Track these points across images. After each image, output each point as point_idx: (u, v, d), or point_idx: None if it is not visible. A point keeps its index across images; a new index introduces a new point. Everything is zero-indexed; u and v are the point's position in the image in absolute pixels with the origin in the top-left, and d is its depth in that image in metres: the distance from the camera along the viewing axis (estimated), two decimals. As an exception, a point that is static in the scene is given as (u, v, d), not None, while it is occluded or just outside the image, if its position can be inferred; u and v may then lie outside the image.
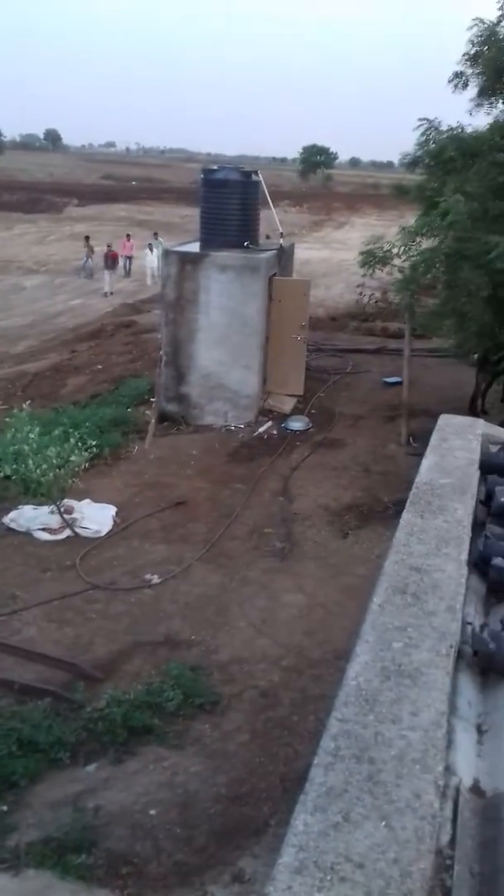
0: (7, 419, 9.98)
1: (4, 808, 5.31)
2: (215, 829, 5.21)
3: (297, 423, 12.74)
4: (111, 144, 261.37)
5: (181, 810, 5.34)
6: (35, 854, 4.91)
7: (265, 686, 6.68)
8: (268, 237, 14.32)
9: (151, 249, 27.84)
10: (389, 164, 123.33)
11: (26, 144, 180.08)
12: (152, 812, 5.30)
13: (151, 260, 27.60)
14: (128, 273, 29.55)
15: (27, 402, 11.11)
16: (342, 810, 1.65)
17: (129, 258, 29.70)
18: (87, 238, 30.69)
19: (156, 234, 30.27)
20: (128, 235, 30.51)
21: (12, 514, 9.51)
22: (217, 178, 13.18)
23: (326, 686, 6.56)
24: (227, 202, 12.98)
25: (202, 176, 13.61)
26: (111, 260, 27.14)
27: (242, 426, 12.75)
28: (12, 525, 9.36)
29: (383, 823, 1.62)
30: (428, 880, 1.53)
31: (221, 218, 13.04)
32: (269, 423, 12.82)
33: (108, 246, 27.72)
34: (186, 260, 12.55)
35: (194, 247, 13.22)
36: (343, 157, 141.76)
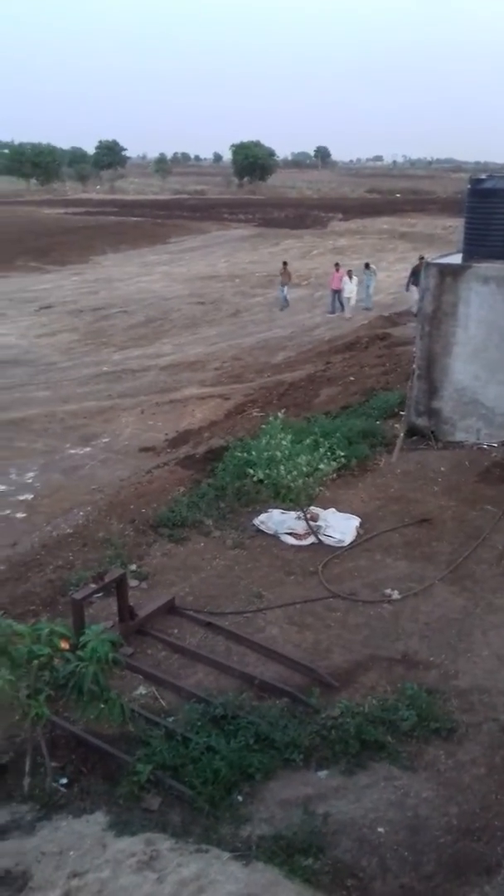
0: (263, 426, 10.45)
1: (240, 798, 5.56)
2: (444, 859, 5.05)
3: None
4: (378, 158, 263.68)
5: (410, 833, 5.24)
6: (265, 848, 5.09)
7: (506, 720, 6.34)
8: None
9: (350, 277, 25.55)
10: None
11: (297, 162, 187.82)
12: (380, 829, 5.26)
13: (350, 289, 25.53)
14: (341, 308, 25.95)
15: (282, 411, 11.56)
16: None
17: (338, 292, 25.97)
18: (284, 264, 27.96)
19: (367, 265, 27.23)
20: (336, 265, 26.57)
21: (262, 517, 9.95)
22: (485, 187, 12.75)
23: None
24: (494, 212, 12.50)
25: (469, 186, 13.25)
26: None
27: (496, 445, 12.20)
28: (262, 527, 9.79)
29: None
30: None
31: (487, 228, 12.58)
32: (527, 444, 12.13)
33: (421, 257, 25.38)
34: (446, 272, 12.29)
35: (455, 258, 12.91)
36: None
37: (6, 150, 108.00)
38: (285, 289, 26.95)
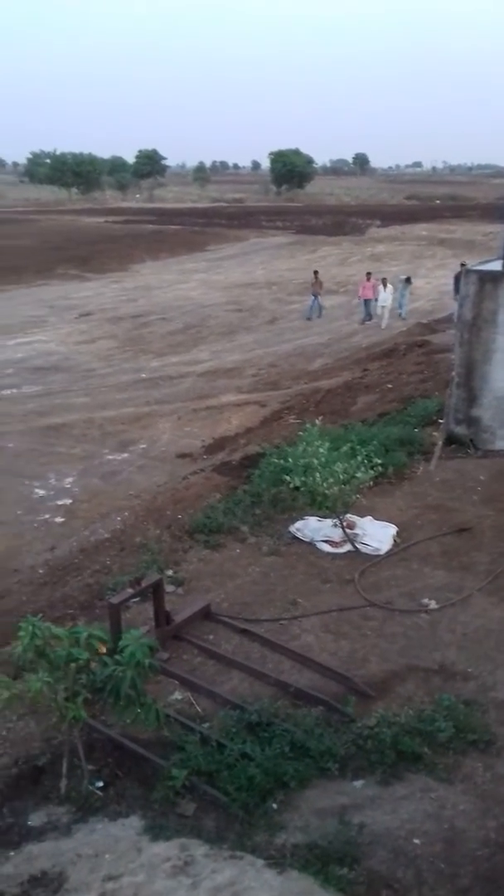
0: (300, 433, 10.45)
1: (275, 806, 5.55)
2: (481, 873, 4.98)
3: None
4: (417, 164, 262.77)
5: (446, 846, 5.17)
6: (299, 857, 5.07)
7: (546, 734, 6.23)
8: None
9: (385, 286, 24.85)
10: None
11: (336, 169, 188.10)
12: (416, 841, 5.20)
13: (385, 298, 24.78)
14: (368, 317, 25.69)
15: (319, 418, 11.55)
16: None
17: (367, 301, 25.56)
18: (315, 273, 27.55)
19: (408, 280, 26.56)
20: (368, 274, 26.27)
21: (298, 524, 9.94)
22: (525, 193, 12.63)
23: None
24: (535, 218, 12.38)
25: (509, 192, 13.13)
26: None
27: (537, 454, 12.04)
28: (298, 534, 9.78)
29: None
30: None
31: (527, 235, 12.47)
32: None
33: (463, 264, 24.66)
34: (486, 279, 12.18)
35: (496, 265, 12.79)
36: None
37: (48, 160, 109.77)
38: (318, 298, 26.46)
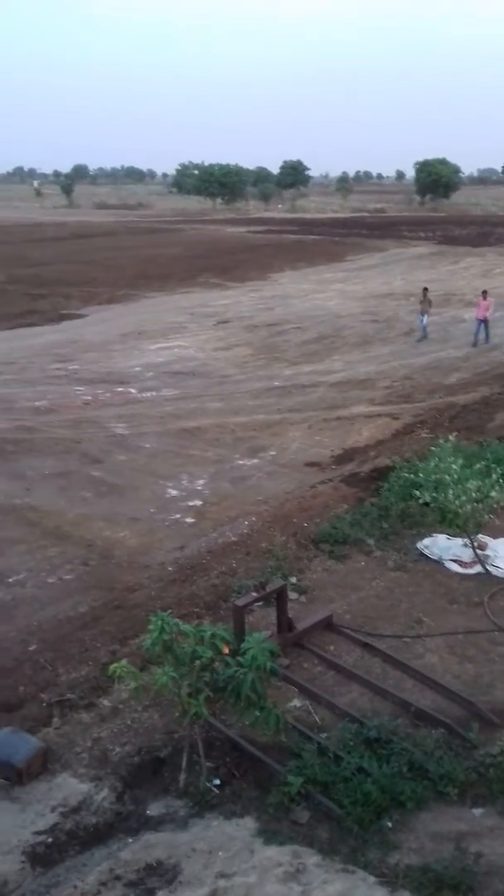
0: (432, 448, 10.24)
1: (389, 824, 5.48)
2: None
3: None
4: None
5: None
6: (412, 878, 4.98)
7: None
8: None
9: None
10: None
11: (483, 179, 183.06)
12: (537, 879, 4.98)
13: None
14: (486, 339, 23.52)
15: (453, 434, 11.26)
16: None
17: (485, 322, 23.37)
18: (425, 290, 25.00)
19: None
20: (484, 292, 24.02)
21: (426, 541, 9.74)
22: None
23: None
24: None
25: None
26: None
27: None
28: (425, 551, 9.59)
29: None
30: None
31: None
32: None
33: None
34: None
35: None
36: None
37: (195, 171, 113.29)
38: (425, 318, 24.59)
